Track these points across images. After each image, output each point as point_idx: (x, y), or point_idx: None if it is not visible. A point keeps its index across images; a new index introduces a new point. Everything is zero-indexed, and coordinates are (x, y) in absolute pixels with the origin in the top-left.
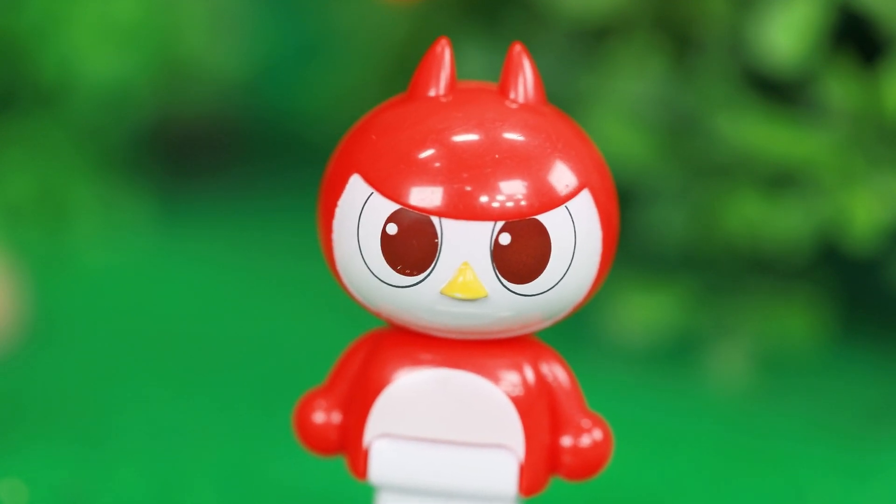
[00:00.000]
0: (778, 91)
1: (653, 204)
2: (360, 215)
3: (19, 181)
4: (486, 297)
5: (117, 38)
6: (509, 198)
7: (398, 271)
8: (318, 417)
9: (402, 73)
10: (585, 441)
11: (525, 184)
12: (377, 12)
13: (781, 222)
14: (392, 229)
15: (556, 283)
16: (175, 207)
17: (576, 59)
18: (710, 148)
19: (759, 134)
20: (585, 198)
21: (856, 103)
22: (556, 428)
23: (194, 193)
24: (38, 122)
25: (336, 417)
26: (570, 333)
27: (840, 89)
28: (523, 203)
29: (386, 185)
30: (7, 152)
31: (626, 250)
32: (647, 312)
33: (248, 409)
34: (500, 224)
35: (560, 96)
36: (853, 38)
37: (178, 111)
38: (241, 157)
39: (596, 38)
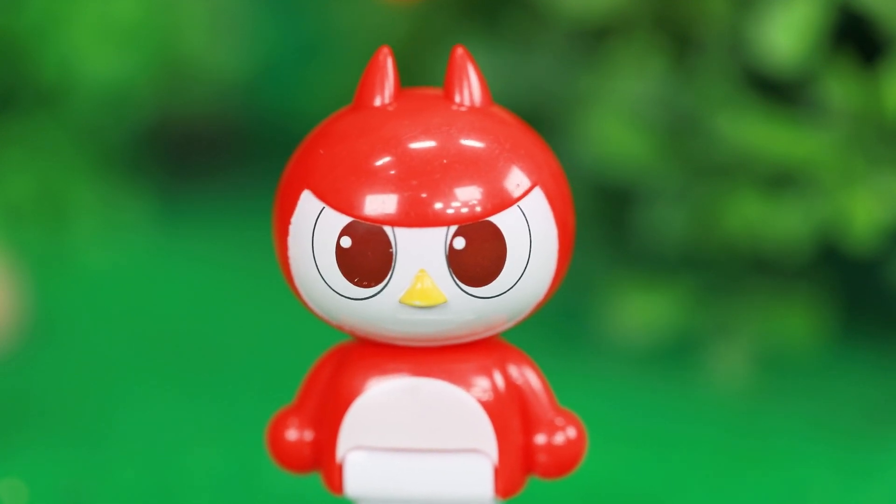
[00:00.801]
0: (778, 91)
1: (653, 204)
2: (314, 230)
3: (19, 181)
4: (445, 302)
5: (117, 38)
6: (461, 202)
7: (355, 284)
8: (291, 435)
9: (402, 73)
10: (559, 439)
11: (475, 187)
12: (377, 12)
13: (781, 222)
14: (346, 242)
15: (515, 284)
16: (175, 207)
17: (576, 59)
18: (710, 148)
19: (759, 134)
20: (538, 196)
21: (856, 103)
22: (529, 427)
23: (194, 193)
24: (38, 122)
25: (308, 435)
26: (571, 333)
27: (840, 89)
28: (475, 206)
29: (337, 199)
30: (7, 152)
31: (627, 250)
32: (647, 312)
33: (247, 408)
34: (453, 228)
35: (560, 96)
36: (853, 38)
37: (178, 111)
38: (241, 157)
39: (596, 38)
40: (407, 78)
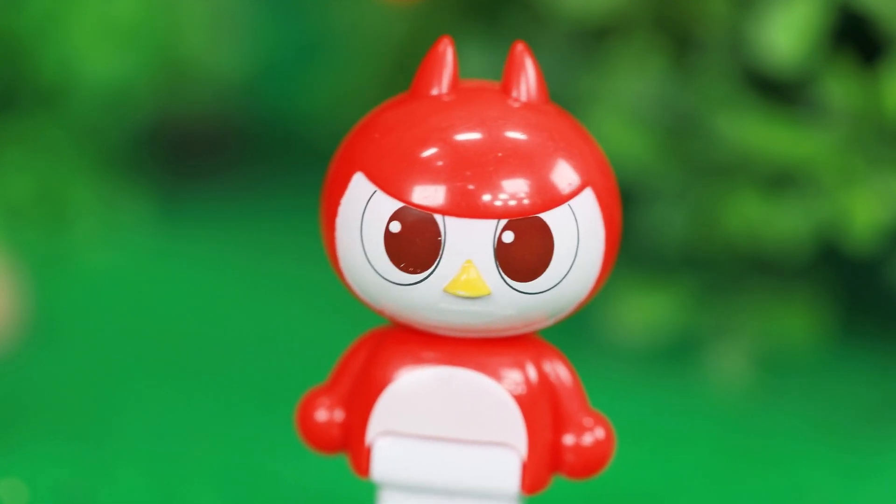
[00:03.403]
0: (778, 91)
1: (653, 204)
2: (364, 213)
3: (19, 181)
4: (489, 294)
5: (117, 38)
6: (512, 196)
7: (401, 269)
8: (321, 415)
9: (403, 73)
10: (588, 440)
11: (528, 182)
12: (377, 12)
13: (781, 222)
14: (395, 227)
15: (560, 281)
16: (175, 207)
17: (576, 59)
18: (710, 148)
19: (759, 134)
20: (588, 196)
21: (856, 103)
22: (559, 426)
23: (194, 193)
24: (38, 122)
25: (339, 415)
26: (571, 333)
27: (840, 89)
28: (526, 201)
29: (389, 184)
30: (7, 152)
31: (626, 250)
32: (647, 312)
33: (248, 408)
34: (503, 222)
35: (560, 96)
36: (853, 38)
37: (178, 111)
38: (241, 157)
39: (596, 38)
40: (407, 78)
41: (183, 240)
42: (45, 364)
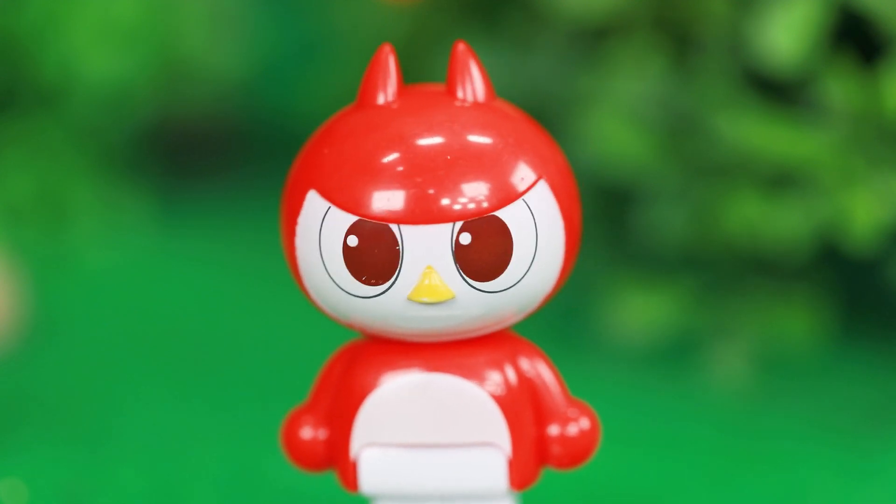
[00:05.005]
0: (778, 91)
1: (653, 204)
2: (321, 230)
3: (19, 181)
4: (453, 298)
5: (117, 38)
6: (466, 197)
7: (363, 282)
8: (306, 434)
9: (403, 73)
10: (572, 430)
11: (480, 182)
12: (377, 12)
13: (781, 222)
14: (353, 241)
15: (522, 278)
16: (175, 207)
17: (576, 59)
18: (710, 148)
19: (759, 134)
20: (542, 189)
21: (856, 103)
22: (543, 419)
23: (194, 193)
24: (38, 122)
25: (323, 433)
26: (571, 333)
27: (840, 89)
28: (481, 201)
29: (342, 198)
30: (7, 152)
31: (627, 250)
32: (646, 312)
33: (247, 408)
34: (458, 224)
35: (560, 96)
36: (853, 38)
37: (178, 111)
38: (241, 157)
39: (596, 38)
40: (407, 78)
41: (183, 240)
42: (45, 364)
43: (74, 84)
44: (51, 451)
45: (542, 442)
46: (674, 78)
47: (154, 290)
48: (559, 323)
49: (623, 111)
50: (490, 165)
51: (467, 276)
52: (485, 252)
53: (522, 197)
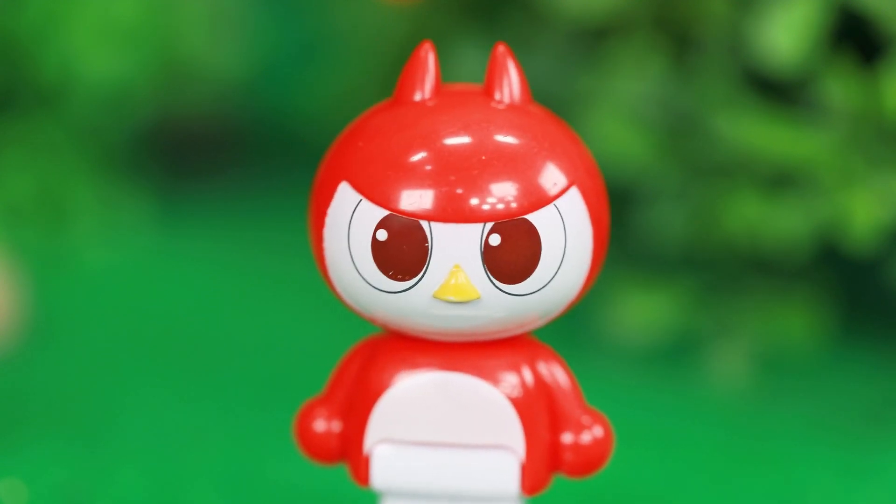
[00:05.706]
0: (778, 91)
1: (653, 204)
2: (350, 223)
3: (19, 181)
4: (478, 298)
5: (117, 38)
6: (497, 199)
7: (390, 277)
8: (319, 426)
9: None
10: (586, 438)
11: (513, 184)
12: (377, 12)
13: (781, 222)
14: (382, 235)
15: (548, 282)
16: (175, 207)
17: (576, 59)
18: (710, 148)
19: (759, 134)
20: (574, 196)
21: (856, 103)
22: (557, 425)
23: (194, 193)
24: (38, 122)
25: (336, 426)
26: (570, 333)
27: (840, 89)
28: (512, 203)
29: (374, 192)
30: (7, 152)
31: (626, 250)
32: (646, 312)
33: (248, 408)
34: (489, 225)
35: (560, 96)
36: (853, 38)
37: (178, 111)
38: (240, 157)
39: (596, 38)
40: None
41: (183, 240)
42: (45, 364)
43: (74, 84)
44: (50, 451)
45: (555, 448)
46: (674, 78)
47: (154, 290)
48: (559, 323)
49: (623, 111)
50: (524, 168)
51: (494, 277)
52: (513, 254)
53: (554, 202)
